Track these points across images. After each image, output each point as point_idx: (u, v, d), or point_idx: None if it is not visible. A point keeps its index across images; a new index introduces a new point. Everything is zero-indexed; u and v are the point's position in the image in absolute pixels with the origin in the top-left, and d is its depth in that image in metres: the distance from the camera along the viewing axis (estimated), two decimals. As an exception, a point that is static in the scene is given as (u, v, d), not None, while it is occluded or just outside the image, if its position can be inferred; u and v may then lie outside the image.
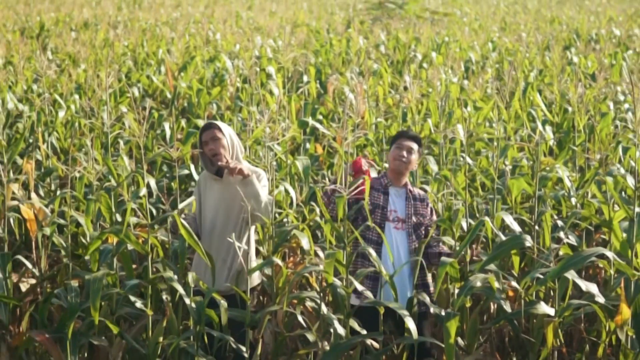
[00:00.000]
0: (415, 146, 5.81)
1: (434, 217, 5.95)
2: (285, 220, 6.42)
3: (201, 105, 11.08)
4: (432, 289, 5.74)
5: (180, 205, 5.72)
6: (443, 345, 5.25)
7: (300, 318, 5.84)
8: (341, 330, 5.43)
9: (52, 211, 6.73)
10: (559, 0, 36.89)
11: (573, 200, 6.85)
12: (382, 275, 5.28)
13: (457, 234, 5.96)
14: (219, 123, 5.76)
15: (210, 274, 5.35)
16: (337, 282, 5.53)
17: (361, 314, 5.38)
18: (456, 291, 5.55)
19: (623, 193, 6.43)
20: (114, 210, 6.57)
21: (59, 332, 5.44)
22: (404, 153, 5.74)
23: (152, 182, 7.08)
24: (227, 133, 5.71)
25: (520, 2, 35.34)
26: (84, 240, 6.39)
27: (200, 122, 9.36)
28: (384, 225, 5.66)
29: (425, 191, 6.28)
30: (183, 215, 5.59)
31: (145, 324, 5.74)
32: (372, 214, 5.55)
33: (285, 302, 5.65)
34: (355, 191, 5.22)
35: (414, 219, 5.74)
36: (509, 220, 6.01)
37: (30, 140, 8.85)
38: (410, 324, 5.09)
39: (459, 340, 5.57)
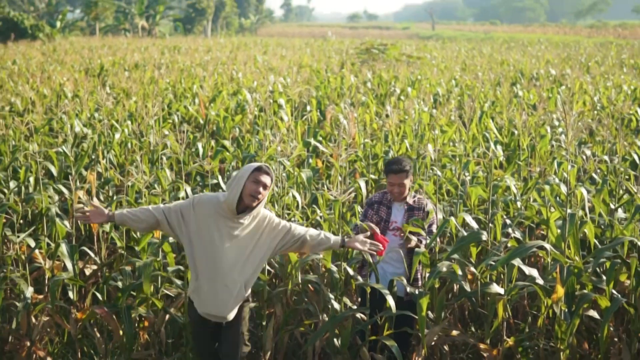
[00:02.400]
0: (405, 178, 5.61)
1: (434, 219, 5.74)
2: (292, 219, 6.43)
3: (227, 129, 11.10)
4: (420, 282, 5.68)
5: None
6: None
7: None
8: (337, 306, 5.44)
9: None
10: (507, 46, 36.97)
11: (518, 203, 6.86)
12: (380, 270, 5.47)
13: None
14: (271, 172, 4.74)
15: (209, 299, 4.69)
16: (334, 268, 5.55)
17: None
18: (427, 275, 5.56)
19: (558, 198, 6.43)
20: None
21: (116, 307, 5.46)
22: (396, 189, 5.62)
23: (188, 189, 7.11)
24: (272, 183, 4.79)
25: (477, 48, 35.42)
26: (135, 235, 6.40)
27: (227, 143, 9.40)
28: (386, 233, 5.53)
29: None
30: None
31: (183, 301, 5.75)
32: (378, 225, 5.47)
33: (290, 283, 5.68)
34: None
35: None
36: (469, 219, 6.01)
37: (93, 157, 8.87)
38: (390, 300, 5.11)
39: (430, 313, 5.57)
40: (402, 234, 5.59)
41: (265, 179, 4.65)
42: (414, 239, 5.62)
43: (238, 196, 4.58)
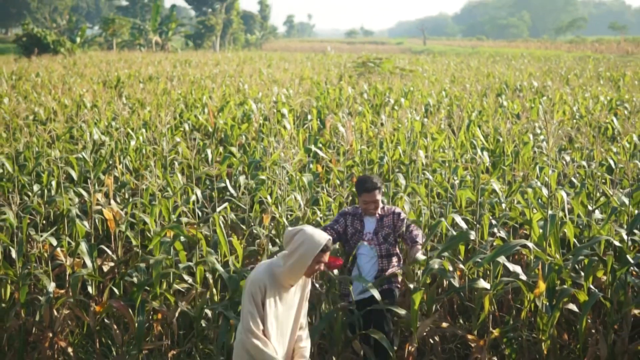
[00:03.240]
0: (377, 196, 5.60)
1: (405, 219, 5.76)
2: (294, 220, 6.43)
3: (234, 136, 11.11)
4: (397, 284, 5.69)
5: None
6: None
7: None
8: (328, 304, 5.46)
9: (126, 213, 6.75)
10: (493, 60, 37.00)
11: (503, 205, 6.86)
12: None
13: (424, 230, 6.00)
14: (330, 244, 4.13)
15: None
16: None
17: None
18: (420, 271, 5.56)
19: (539, 200, 6.44)
20: (171, 212, 6.59)
21: (131, 300, 5.46)
22: (372, 206, 5.62)
23: (198, 192, 7.12)
24: None
25: (465, 62, 35.45)
26: (149, 234, 6.40)
27: (234, 149, 9.40)
28: (360, 243, 5.58)
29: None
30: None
31: (194, 295, 5.76)
32: (353, 236, 5.64)
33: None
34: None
35: (382, 232, 5.63)
36: (458, 220, 6.02)
37: (110, 162, 8.87)
38: (375, 293, 5.19)
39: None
40: (374, 241, 5.60)
41: (327, 257, 4.10)
42: (419, 248, 5.60)
43: (302, 274, 4.05)
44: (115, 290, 5.91)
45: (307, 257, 3.96)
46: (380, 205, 5.71)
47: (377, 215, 5.67)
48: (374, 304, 5.30)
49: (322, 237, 4.02)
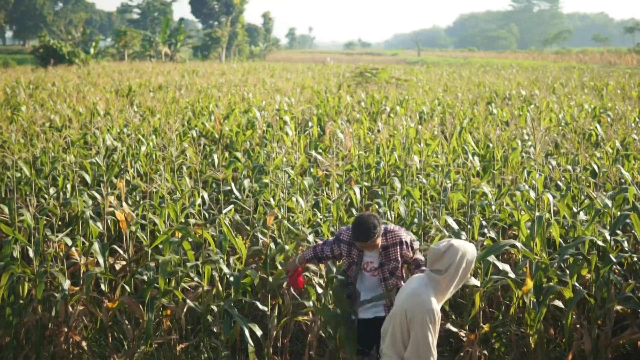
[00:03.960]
0: (376, 240, 4.62)
1: (414, 248, 4.90)
2: (296, 221, 6.44)
3: (239, 142, 11.11)
4: None
5: None
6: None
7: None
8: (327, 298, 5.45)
9: (137, 215, 6.75)
10: (483, 70, 37.01)
11: (493, 207, 6.86)
12: (355, 300, 4.88)
13: (418, 230, 5.99)
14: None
15: None
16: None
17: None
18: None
19: (527, 202, 6.44)
20: (179, 214, 6.60)
21: (141, 297, 5.46)
22: (369, 249, 4.73)
23: (205, 195, 7.13)
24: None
25: (457, 72, 35.46)
26: (158, 235, 6.40)
27: (239, 154, 9.41)
28: (358, 275, 4.82)
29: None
30: None
31: (200, 292, 5.76)
32: (349, 268, 4.84)
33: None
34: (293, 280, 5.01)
35: (389, 266, 4.74)
36: (450, 221, 6.03)
37: (122, 166, 8.87)
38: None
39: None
40: (379, 273, 4.79)
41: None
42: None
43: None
44: (127, 287, 5.91)
45: (469, 268, 3.78)
46: (383, 232, 4.76)
47: (379, 247, 4.75)
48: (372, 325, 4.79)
49: (471, 244, 3.85)
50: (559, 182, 7.68)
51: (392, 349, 3.77)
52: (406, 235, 4.84)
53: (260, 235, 6.33)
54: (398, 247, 4.75)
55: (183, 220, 6.49)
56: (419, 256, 4.94)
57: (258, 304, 5.61)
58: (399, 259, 4.76)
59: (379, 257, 4.74)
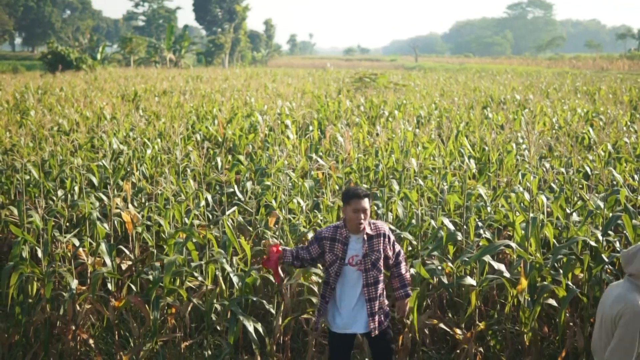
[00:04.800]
0: (367, 204, 4.53)
1: (396, 250, 4.79)
2: (297, 222, 6.44)
3: (241, 145, 11.12)
4: (387, 309, 4.76)
5: None
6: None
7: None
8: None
9: (143, 216, 6.75)
10: (479, 75, 37.02)
11: (489, 208, 6.87)
12: (336, 308, 4.63)
13: (416, 231, 6.00)
14: None
15: None
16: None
17: (330, 337, 4.72)
18: (412, 270, 5.56)
19: (522, 204, 6.45)
20: (183, 215, 6.60)
21: (147, 296, 5.46)
22: (362, 216, 4.51)
23: (209, 197, 7.14)
24: None
25: (453, 77, 35.48)
26: (163, 236, 6.41)
27: (242, 157, 9.40)
28: (341, 270, 4.56)
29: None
30: None
31: (204, 291, 5.76)
32: (333, 263, 4.58)
33: (302, 276, 5.69)
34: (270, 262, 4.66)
35: (371, 257, 4.55)
36: (446, 222, 6.03)
37: (128, 169, 8.89)
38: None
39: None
40: (361, 268, 4.57)
41: None
42: (410, 294, 4.80)
43: None
44: (133, 286, 5.92)
45: None
46: (368, 222, 4.64)
47: (366, 234, 4.59)
48: (374, 341, 4.65)
49: None
50: (552, 184, 7.68)
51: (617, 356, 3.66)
52: (390, 233, 4.74)
53: (269, 236, 6.32)
54: (382, 239, 4.62)
55: (187, 222, 6.50)
56: (407, 273, 4.78)
57: (265, 302, 5.61)
58: (382, 251, 4.62)
59: (363, 249, 4.56)
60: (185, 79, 29.66)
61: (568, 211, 6.37)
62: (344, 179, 8.14)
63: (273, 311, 5.69)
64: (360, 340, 5.35)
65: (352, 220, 4.53)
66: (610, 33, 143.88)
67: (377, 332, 4.58)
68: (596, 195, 6.55)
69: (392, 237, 4.76)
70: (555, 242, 6.01)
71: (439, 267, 5.63)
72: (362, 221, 4.52)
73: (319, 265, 5.42)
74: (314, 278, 5.73)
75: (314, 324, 4.85)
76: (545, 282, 5.30)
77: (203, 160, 7.05)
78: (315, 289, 5.67)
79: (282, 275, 4.90)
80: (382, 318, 4.65)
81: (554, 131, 12.01)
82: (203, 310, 5.64)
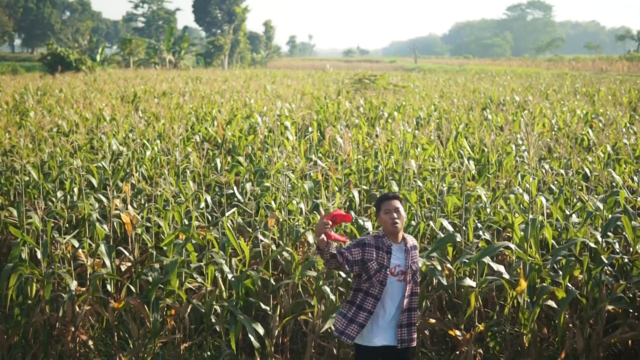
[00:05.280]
0: (399, 203, 4.47)
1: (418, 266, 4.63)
2: (296, 223, 6.45)
3: (241, 147, 11.12)
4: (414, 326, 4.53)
5: None
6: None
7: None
8: (332, 297, 5.45)
9: (142, 217, 6.75)
10: (478, 77, 37.04)
11: (488, 210, 6.87)
12: (374, 322, 4.35)
13: (413, 232, 6.00)
14: None
15: None
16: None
17: (361, 350, 4.43)
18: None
19: (521, 205, 6.45)
20: (183, 216, 6.60)
21: (147, 298, 5.47)
22: (395, 215, 4.41)
23: (208, 198, 7.14)
24: None
25: (453, 78, 35.50)
26: (163, 237, 6.41)
27: (241, 159, 9.40)
28: (387, 280, 4.35)
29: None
30: None
31: (204, 293, 5.76)
32: (377, 272, 4.35)
33: (297, 277, 5.68)
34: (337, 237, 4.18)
35: (412, 267, 4.44)
36: (446, 223, 6.04)
37: (127, 170, 8.88)
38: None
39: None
40: (405, 276, 4.42)
41: None
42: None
43: None
44: (132, 288, 5.92)
45: None
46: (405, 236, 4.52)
47: (404, 244, 4.47)
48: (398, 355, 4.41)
49: None
50: (552, 186, 7.69)
51: None
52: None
53: (261, 237, 6.33)
54: (416, 251, 4.55)
55: (187, 223, 6.50)
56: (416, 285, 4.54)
57: (262, 304, 5.61)
58: (417, 260, 4.54)
59: (406, 259, 4.41)
60: (184, 80, 29.67)
61: (567, 212, 6.38)
62: (343, 180, 8.14)
63: (270, 312, 5.70)
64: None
65: (386, 222, 4.42)
66: (610, 34, 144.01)
67: (407, 345, 4.39)
68: (595, 196, 6.56)
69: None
70: (555, 243, 6.01)
71: (438, 269, 5.63)
72: (396, 220, 4.40)
73: (341, 272, 5.31)
74: (312, 280, 5.73)
75: (337, 333, 4.43)
76: (544, 284, 5.30)
77: (202, 161, 7.05)
78: (313, 287, 5.67)
79: (330, 250, 4.26)
80: (414, 334, 4.48)
81: (553, 132, 12.01)
82: (202, 311, 5.64)
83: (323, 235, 4.13)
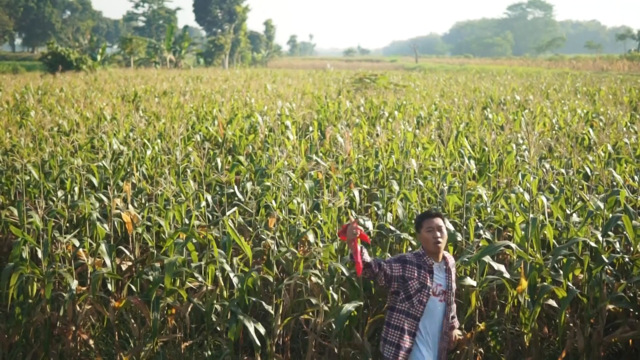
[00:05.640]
0: (441, 221, 4.35)
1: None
2: (297, 222, 6.45)
3: (242, 146, 11.12)
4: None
5: None
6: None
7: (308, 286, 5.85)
8: (335, 296, 5.44)
9: (143, 217, 6.76)
10: (479, 76, 37.03)
11: (488, 209, 6.87)
12: (415, 343, 4.22)
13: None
14: None
15: None
16: (332, 264, 5.55)
17: None
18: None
19: (522, 204, 6.45)
20: (183, 216, 6.60)
21: (147, 297, 5.46)
22: (438, 234, 4.27)
23: (209, 197, 7.14)
24: None
25: (454, 78, 35.49)
26: (163, 236, 6.41)
27: (242, 158, 9.40)
28: (428, 300, 4.21)
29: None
30: None
31: (204, 292, 5.76)
32: (418, 292, 4.19)
33: (301, 272, 5.67)
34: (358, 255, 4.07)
35: (452, 287, 4.35)
36: (446, 222, 6.03)
37: (128, 170, 8.89)
38: None
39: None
40: (445, 297, 4.30)
41: None
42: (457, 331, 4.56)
43: None
44: (133, 287, 5.92)
45: None
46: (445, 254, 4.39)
47: (444, 263, 4.35)
48: None
49: None
50: (552, 185, 7.68)
51: None
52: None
53: (265, 238, 6.33)
54: (455, 269, 4.43)
55: (187, 222, 6.50)
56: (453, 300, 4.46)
57: (264, 303, 5.61)
58: (455, 282, 4.42)
59: (447, 278, 4.28)
60: (185, 80, 29.66)
61: (568, 212, 6.37)
62: (343, 180, 8.14)
63: (272, 312, 5.69)
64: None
65: (428, 240, 4.26)
66: (610, 34, 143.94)
67: None
68: (596, 196, 6.56)
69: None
70: (556, 242, 6.01)
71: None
72: (439, 239, 4.26)
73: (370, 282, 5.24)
74: (313, 279, 5.74)
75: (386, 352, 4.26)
76: (545, 283, 5.30)
77: (203, 160, 7.05)
78: (313, 285, 5.67)
79: (364, 259, 4.19)
80: (448, 354, 4.42)
81: (554, 132, 12.01)
82: (203, 310, 5.64)
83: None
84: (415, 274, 4.20)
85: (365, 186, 8.13)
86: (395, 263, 4.23)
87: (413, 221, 4.69)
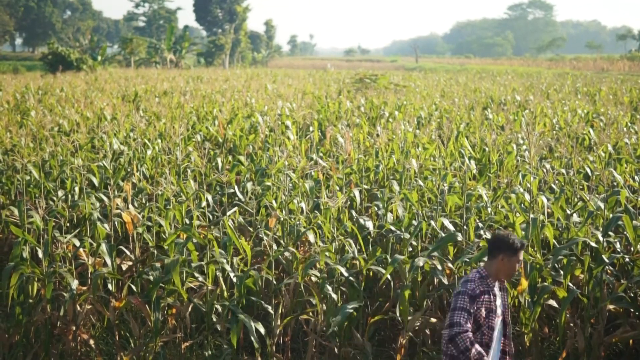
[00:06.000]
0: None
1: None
2: (297, 222, 6.45)
3: (242, 146, 11.13)
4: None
5: None
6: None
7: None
8: (334, 296, 5.45)
9: (143, 217, 6.76)
10: (479, 76, 37.01)
11: (489, 209, 6.87)
12: None
13: (414, 232, 6.00)
14: None
15: None
16: (331, 263, 5.55)
17: None
18: (407, 269, 5.55)
19: (522, 205, 6.45)
20: (184, 215, 6.60)
21: (148, 297, 5.47)
22: (519, 267, 4.11)
23: (209, 197, 7.14)
24: None
25: (454, 78, 35.47)
26: (164, 236, 6.41)
27: (242, 158, 9.40)
28: (495, 323, 4.02)
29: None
30: None
31: (205, 292, 5.76)
32: (486, 318, 3.98)
33: (300, 276, 5.68)
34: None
35: (509, 307, 4.24)
36: (446, 222, 6.04)
37: (128, 170, 8.89)
38: None
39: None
40: (505, 317, 4.14)
41: None
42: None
43: None
44: (133, 287, 5.92)
45: None
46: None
47: (502, 284, 4.14)
48: None
49: None
50: (553, 185, 7.68)
51: None
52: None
53: (265, 237, 6.34)
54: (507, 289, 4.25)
55: (188, 222, 6.50)
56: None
57: (264, 303, 5.62)
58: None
59: (504, 297, 4.13)
60: (185, 80, 29.66)
61: (568, 212, 6.38)
62: (344, 180, 8.14)
63: (272, 312, 5.70)
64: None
65: (510, 270, 4.01)
66: (611, 34, 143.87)
67: None
68: (597, 196, 6.56)
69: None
70: (556, 242, 6.01)
71: (439, 268, 5.63)
72: (513, 275, 4.13)
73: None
74: (313, 279, 5.74)
75: None
76: (545, 283, 5.30)
77: (203, 160, 7.05)
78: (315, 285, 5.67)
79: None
80: None
81: (554, 132, 12.00)
82: (204, 310, 5.64)
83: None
84: (485, 302, 3.98)
85: (365, 186, 8.13)
86: (470, 309, 3.92)
87: (488, 238, 4.38)
